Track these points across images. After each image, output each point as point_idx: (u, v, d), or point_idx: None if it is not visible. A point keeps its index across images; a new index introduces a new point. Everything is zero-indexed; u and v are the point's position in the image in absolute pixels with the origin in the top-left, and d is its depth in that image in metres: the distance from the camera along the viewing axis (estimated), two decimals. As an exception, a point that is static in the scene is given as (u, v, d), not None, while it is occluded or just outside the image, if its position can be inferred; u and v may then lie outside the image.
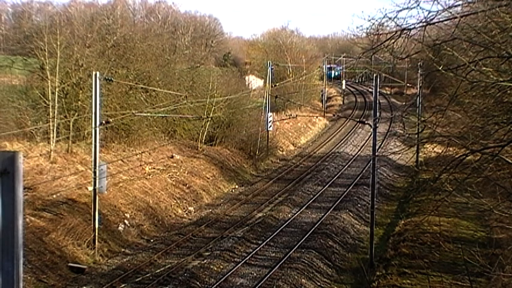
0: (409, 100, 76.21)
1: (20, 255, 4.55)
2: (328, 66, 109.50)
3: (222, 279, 25.20)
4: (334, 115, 75.42)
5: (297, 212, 36.55)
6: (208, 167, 43.91)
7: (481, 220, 31.71)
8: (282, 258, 28.23)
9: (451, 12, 12.06)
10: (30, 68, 39.58)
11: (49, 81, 35.60)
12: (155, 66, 46.42)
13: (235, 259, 27.96)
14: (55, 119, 34.86)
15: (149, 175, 37.45)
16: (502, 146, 11.76)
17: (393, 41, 12.20)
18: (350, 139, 64.70)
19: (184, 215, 36.03)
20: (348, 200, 39.77)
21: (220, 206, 38.59)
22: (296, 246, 29.93)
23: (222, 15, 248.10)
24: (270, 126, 53.23)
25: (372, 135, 29.95)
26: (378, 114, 30.76)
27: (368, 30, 13.20)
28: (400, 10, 11.78)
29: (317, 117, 75.88)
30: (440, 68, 12.20)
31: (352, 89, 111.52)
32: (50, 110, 35.51)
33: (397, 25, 12.02)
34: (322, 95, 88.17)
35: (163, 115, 42.30)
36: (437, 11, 11.78)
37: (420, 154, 47.31)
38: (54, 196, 29.49)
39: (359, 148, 59.75)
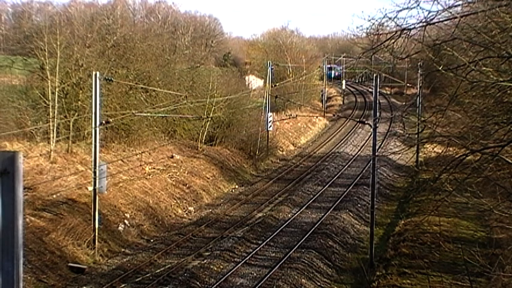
0: (409, 100, 76.20)
1: (20, 255, 4.55)
2: (328, 66, 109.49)
3: (222, 279, 25.20)
4: (334, 115, 75.42)
5: (297, 212, 36.54)
6: (208, 167, 43.91)
7: (481, 220, 31.71)
8: (282, 258, 28.23)
9: (451, 12, 12.06)
10: (30, 68, 39.58)
11: (49, 81, 35.61)
12: (155, 66, 46.42)
13: (235, 259, 27.96)
14: (55, 119, 34.86)
15: (149, 175, 37.45)
16: (502, 146, 11.76)
17: (393, 41, 12.20)
18: (350, 139, 64.70)
19: (184, 215, 36.03)
20: (348, 200, 39.77)
21: (220, 206, 38.59)
22: (296, 246, 29.93)
23: (222, 15, 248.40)
24: (270, 126, 53.23)
25: (372, 135, 29.95)
26: (378, 114, 30.76)
27: (368, 30, 13.21)
28: (400, 10, 11.79)
29: (317, 117, 75.88)
30: (440, 68, 12.20)
31: (352, 89, 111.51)
32: (50, 110, 35.51)
33: (397, 25, 12.03)
34: (322, 95, 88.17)
35: (163, 115, 42.30)
36: (437, 11, 11.79)
37: (420, 154, 47.31)
38: (54, 196, 29.49)
39: (359, 148, 59.75)
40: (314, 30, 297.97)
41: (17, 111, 36.51)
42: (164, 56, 50.66)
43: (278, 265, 27.09)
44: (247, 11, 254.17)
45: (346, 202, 39.11)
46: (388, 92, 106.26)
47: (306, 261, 27.85)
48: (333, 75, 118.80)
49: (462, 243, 25.10)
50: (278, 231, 32.51)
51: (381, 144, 57.17)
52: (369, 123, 36.46)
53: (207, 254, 28.55)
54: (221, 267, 26.79)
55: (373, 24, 12.83)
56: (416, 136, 20.88)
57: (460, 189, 12.97)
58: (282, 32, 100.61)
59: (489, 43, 11.66)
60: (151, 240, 31.01)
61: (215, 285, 24.59)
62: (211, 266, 26.56)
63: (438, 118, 13.94)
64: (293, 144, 62.78)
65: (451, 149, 13.84)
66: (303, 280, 25.81)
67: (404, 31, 11.89)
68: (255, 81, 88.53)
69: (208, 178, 42.42)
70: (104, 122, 29.38)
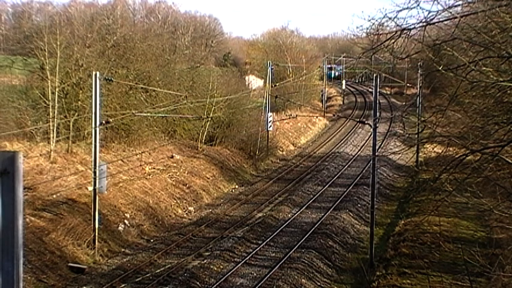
0: (409, 100, 76.20)
1: (20, 255, 4.55)
2: (328, 66, 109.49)
3: (222, 279, 25.20)
4: (334, 115, 75.42)
5: (297, 212, 36.54)
6: (208, 167, 43.92)
7: (481, 220, 31.70)
8: (282, 258, 28.23)
9: (451, 12, 12.06)
10: (30, 68, 39.59)
11: (49, 81, 35.61)
12: (155, 66, 46.43)
13: (235, 259, 27.96)
14: (55, 119, 34.86)
15: (149, 175, 37.45)
16: (502, 146, 11.76)
17: (393, 41, 12.20)
18: (350, 139, 64.70)
19: (184, 215, 36.03)
20: (348, 200, 39.77)
21: (220, 206, 38.59)
22: (296, 246, 29.93)
23: (222, 15, 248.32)
24: (270, 126, 53.23)
25: (372, 135, 29.95)
26: (378, 114, 30.76)
27: (368, 30, 13.21)
28: (400, 10, 11.79)
29: (317, 117, 75.88)
30: (440, 68, 12.20)
31: (352, 89, 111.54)
32: (50, 110, 35.51)
33: (397, 25, 12.03)
34: (322, 95, 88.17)
35: (163, 115, 42.31)
36: (437, 11, 11.79)
37: (420, 154, 47.31)
38: (54, 196, 29.49)
39: (359, 148, 59.75)
40: (314, 30, 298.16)
41: (17, 111, 36.51)
42: (164, 56, 50.67)
43: (278, 265, 27.09)
44: (247, 11, 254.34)
45: (346, 202, 39.11)
46: (388, 92, 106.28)
47: (306, 261, 27.85)
48: (333, 75, 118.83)
49: (462, 243, 25.10)
50: (278, 231, 32.51)
51: (381, 144, 57.17)
52: (368, 123, 36.45)
53: (207, 254, 28.55)
54: (221, 267, 26.79)
55: (373, 24, 12.84)
56: (416, 136, 20.88)
57: (460, 189, 12.97)
58: (282, 32, 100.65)
59: (489, 43, 11.66)
60: (151, 240, 31.01)
61: (215, 285, 24.58)
62: (211, 266, 26.56)
63: (438, 118, 13.94)
64: (293, 144, 62.79)
65: (451, 149, 13.84)
66: (303, 280, 25.81)
67: (404, 31, 11.89)
68: (255, 81, 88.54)
69: (208, 178, 42.42)
70: (104, 122, 29.38)
